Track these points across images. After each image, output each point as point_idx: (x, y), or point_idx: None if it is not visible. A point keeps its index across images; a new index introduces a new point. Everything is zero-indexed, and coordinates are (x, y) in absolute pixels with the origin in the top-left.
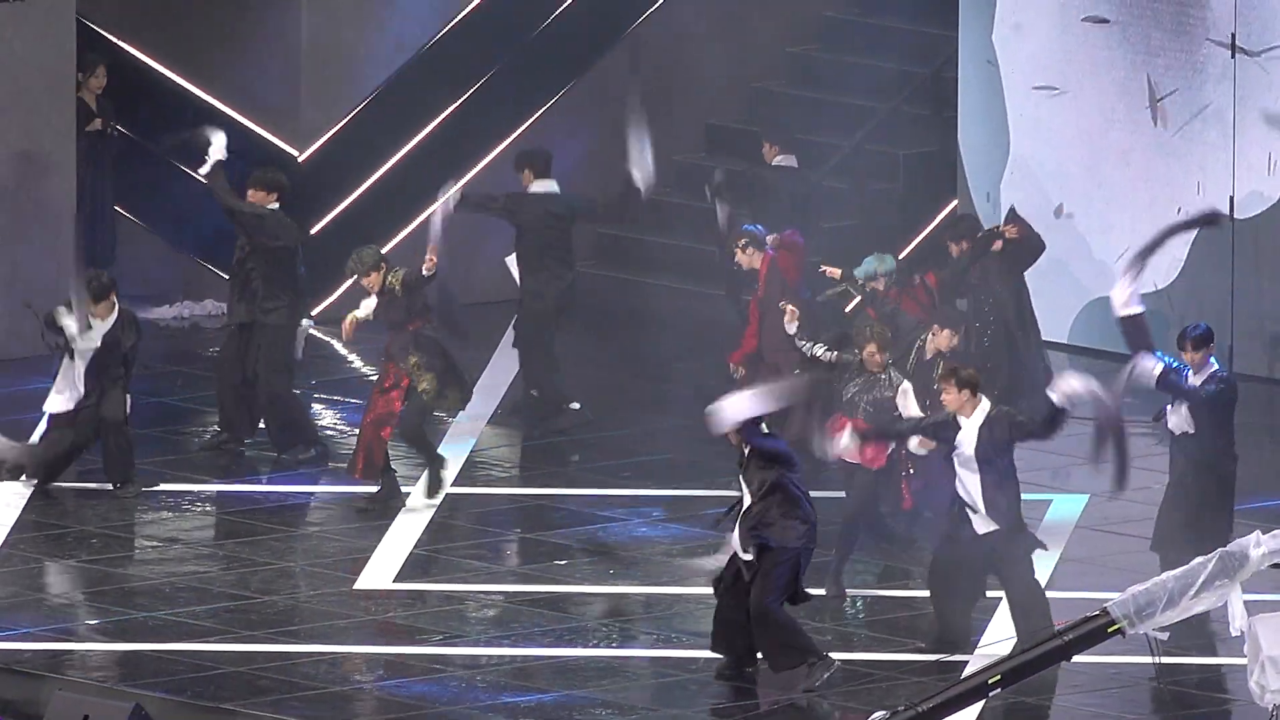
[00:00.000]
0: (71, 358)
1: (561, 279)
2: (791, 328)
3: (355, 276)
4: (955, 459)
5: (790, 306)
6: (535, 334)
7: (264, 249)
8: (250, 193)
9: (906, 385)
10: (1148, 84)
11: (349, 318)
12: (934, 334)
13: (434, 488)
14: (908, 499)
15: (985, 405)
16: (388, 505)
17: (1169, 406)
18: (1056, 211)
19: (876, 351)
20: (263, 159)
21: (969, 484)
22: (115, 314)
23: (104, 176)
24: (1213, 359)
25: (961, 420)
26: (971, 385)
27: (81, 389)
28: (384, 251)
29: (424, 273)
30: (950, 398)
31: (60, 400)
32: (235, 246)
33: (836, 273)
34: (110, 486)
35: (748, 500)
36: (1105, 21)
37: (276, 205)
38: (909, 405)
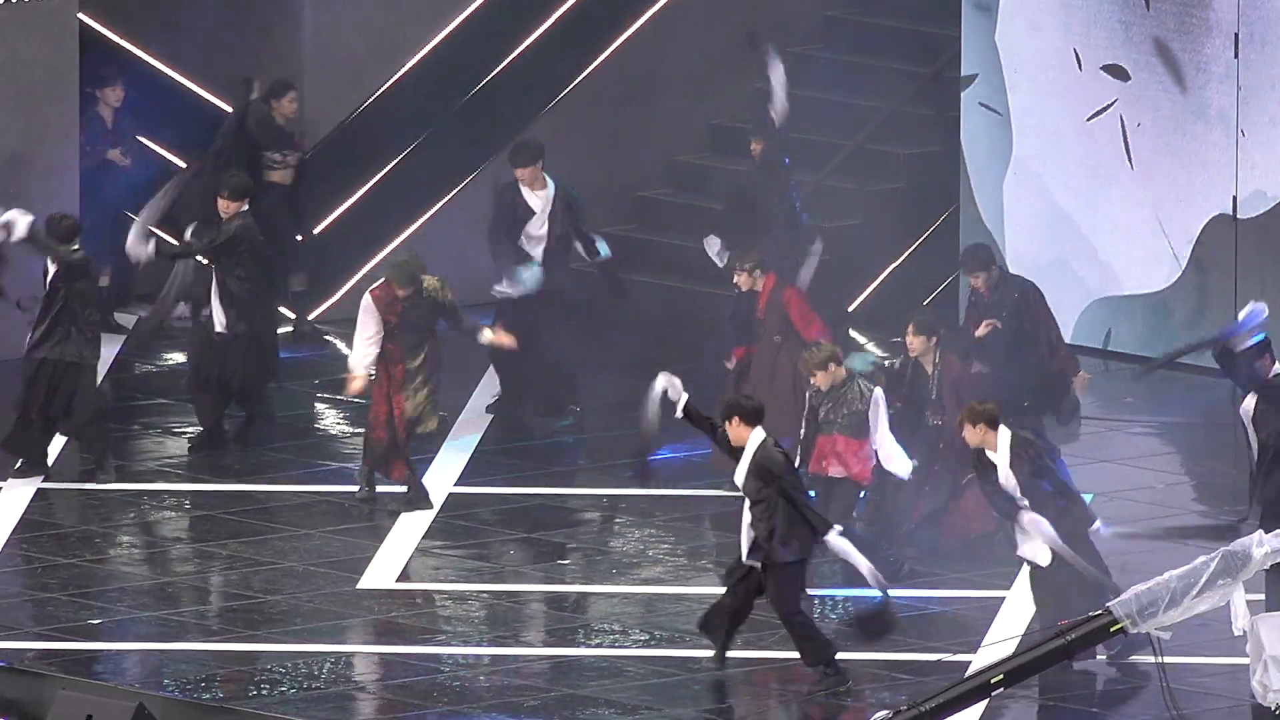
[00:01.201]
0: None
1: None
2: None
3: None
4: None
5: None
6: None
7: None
8: (221, 202)
9: (878, 394)
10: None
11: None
12: (909, 337)
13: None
14: (868, 475)
15: (1006, 435)
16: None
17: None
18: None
19: (822, 377)
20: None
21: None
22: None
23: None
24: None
25: (991, 456)
26: (988, 420)
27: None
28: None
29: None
30: (970, 435)
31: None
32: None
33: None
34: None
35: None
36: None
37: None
38: (881, 416)
